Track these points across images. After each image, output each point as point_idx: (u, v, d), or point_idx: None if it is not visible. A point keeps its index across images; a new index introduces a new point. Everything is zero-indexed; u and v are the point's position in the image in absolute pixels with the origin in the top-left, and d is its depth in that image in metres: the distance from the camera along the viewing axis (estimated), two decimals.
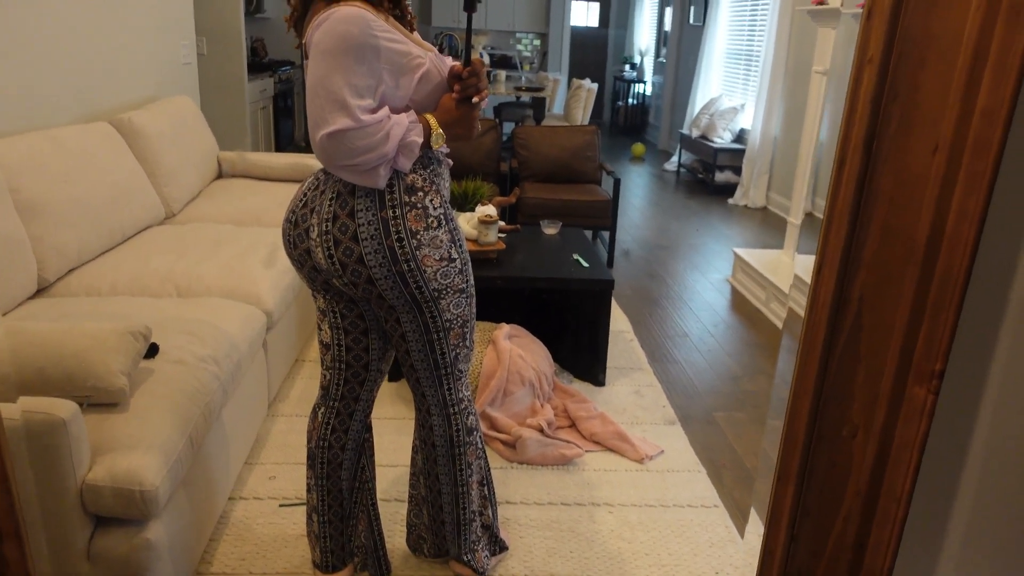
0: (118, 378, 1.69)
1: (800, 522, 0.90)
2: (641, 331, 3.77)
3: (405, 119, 1.51)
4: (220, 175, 4.23)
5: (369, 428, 1.93)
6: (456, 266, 1.64)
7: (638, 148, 9.27)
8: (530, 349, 2.87)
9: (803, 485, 0.87)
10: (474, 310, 1.75)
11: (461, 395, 1.80)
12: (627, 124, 11.34)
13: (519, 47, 10.06)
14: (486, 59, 7.33)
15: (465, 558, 1.93)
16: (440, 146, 1.60)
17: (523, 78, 8.82)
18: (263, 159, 4.26)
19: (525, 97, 7.42)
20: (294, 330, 3.11)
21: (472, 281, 1.72)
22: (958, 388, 0.87)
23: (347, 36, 1.42)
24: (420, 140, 1.53)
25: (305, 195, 1.64)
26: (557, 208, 4.46)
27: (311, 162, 4.18)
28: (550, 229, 3.55)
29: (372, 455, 1.96)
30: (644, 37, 11.44)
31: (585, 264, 3.10)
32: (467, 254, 1.69)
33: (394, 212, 1.55)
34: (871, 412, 0.82)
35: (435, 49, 1.64)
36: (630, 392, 3.09)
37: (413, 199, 1.58)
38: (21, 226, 2.38)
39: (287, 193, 3.88)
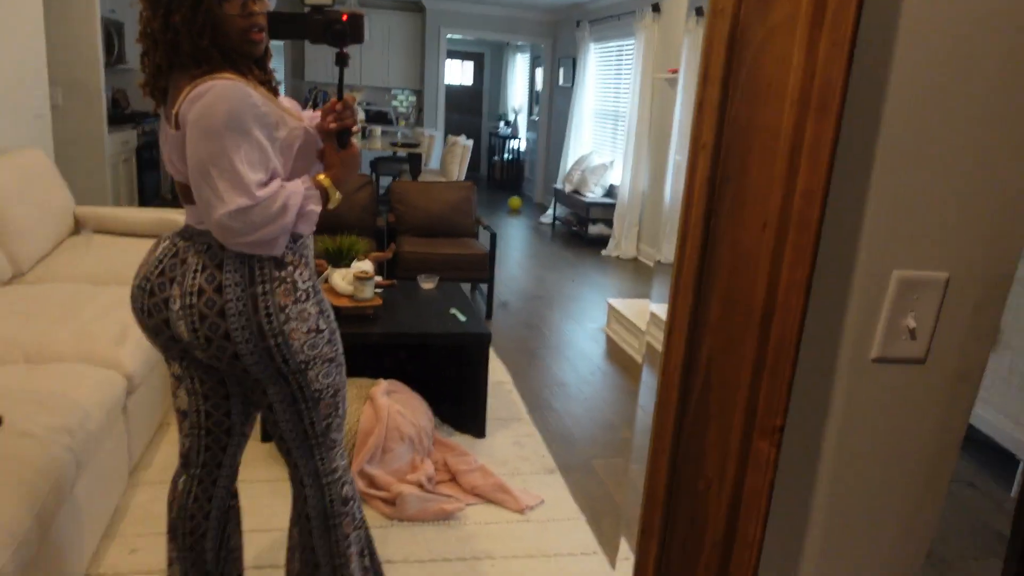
0: None
1: (664, 573, 0.94)
2: (520, 381, 3.83)
3: (300, 187, 1.51)
4: (77, 231, 4.00)
5: (234, 495, 1.86)
6: (324, 336, 1.62)
7: (515, 201, 9.50)
8: (409, 404, 2.86)
9: (665, 538, 0.92)
10: (344, 378, 1.72)
11: (335, 464, 1.75)
12: (503, 178, 11.62)
13: (395, 103, 10.16)
14: (361, 115, 7.36)
15: None
16: (337, 205, 1.61)
17: (399, 133, 8.90)
18: (124, 214, 4.08)
19: (401, 152, 7.49)
20: (159, 392, 2.95)
21: (341, 349, 1.70)
22: (798, 440, 0.95)
23: (231, 112, 1.41)
24: (319, 208, 1.54)
25: (161, 262, 1.57)
26: (435, 262, 4.50)
27: (177, 217, 4.03)
28: (427, 284, 3.57)
29: (239, 523, 1.88)
30: (517, 95, 11.83)
31: (463, 318, 3.13)
32: (335, 323, 1.68)
33: (263, 288, 1.53)
34: (723, 466, 0.89)
35: (305, 117, 1.63)
36: (510, 443, 3.12)
37: (282, 274, 1.56)
38: None
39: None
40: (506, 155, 11.71)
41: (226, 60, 1.49)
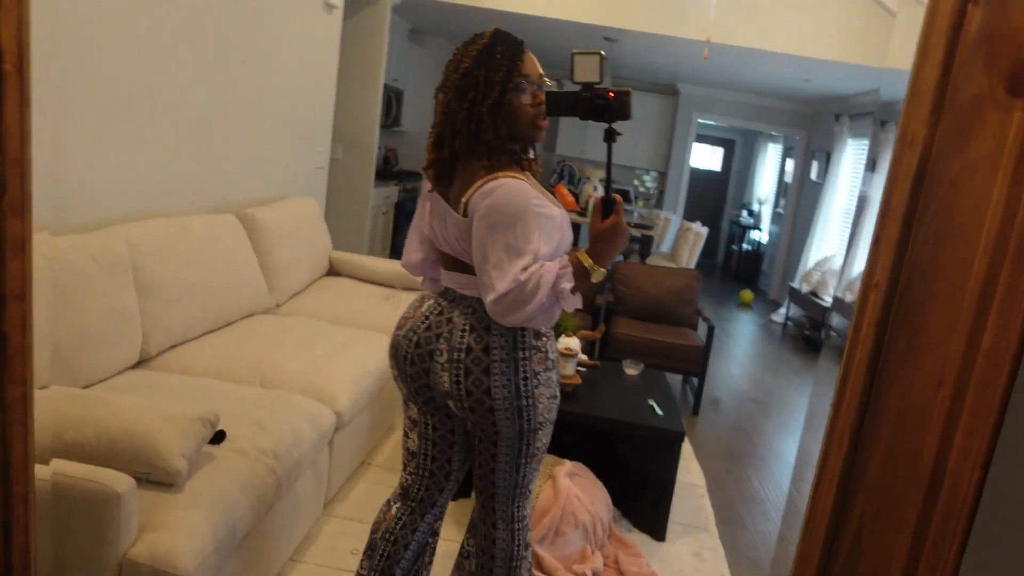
0: (178, 460, 1.78)
1: None
2: (715, 488, 3.62)
3: (556, 266, 1.59)
4: (329, 273, 4.48)
5: (436, 533, 2.00)
6: (556, 402, 1.79)
7: (746, 295, 9.15)
8: (590, 491, 2.81)
9: None
10: None
11: (526, 512, 1.88)
12: (739, 269, 11.25)
13: (636, 182, 10.31)
14: (600, 191, 7.55)
15: None
16: (602, 279, 1.64)
17: (636, 213, 8.99)
18: (369, 263, 4.49)
19: (635, 232, 7.55)
20: (365, 433, 3.18)
21: None
22: None
23: (514, 211, 1.57)
24: (569, 286, 1.59)
25: (427, 318, 1.77)
26: (647, 348, 4.43)
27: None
28: (631, 369, 3.53)
29: (430, 561, 2.01)
30: (765, 186, 11.49)
31: (659, 411, 3.04)
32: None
33: (523, 354, 1.70)
34: None
35: (560, 203, 1.73)
36: (690, 553, 2.94)
37: (539, 343, 1.73)
38: (136, 302, 2.60)
39: (388, 297, 4.07)
40: (745, 245, 11.35)
41: (512, 150, 1.66)
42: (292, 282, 3.87)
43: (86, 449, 1.73)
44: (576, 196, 7.48)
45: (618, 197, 1.65)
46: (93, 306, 2.35)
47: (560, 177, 9.26)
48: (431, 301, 1.80)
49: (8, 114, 0.77)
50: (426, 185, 1.81)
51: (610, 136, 1.68)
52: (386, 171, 7.63)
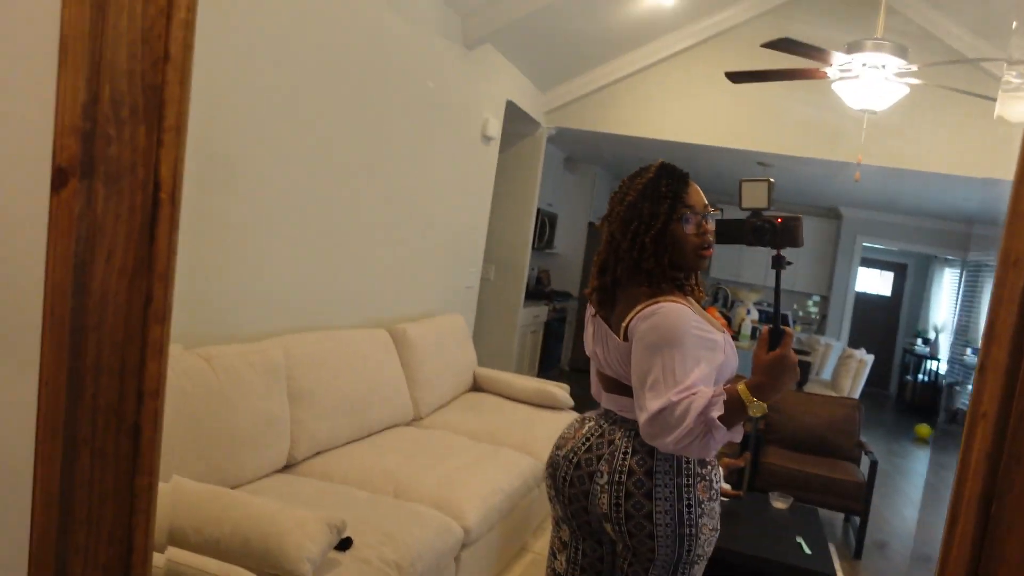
0: (304, 564, 1.84)
1: None
2: None
3: (708, 392, 1.52)
4: (473, 388, 4.58)
5: None
6: (716, 535, 1.74)
7: (923, 429, 8.34)
8: None
9: None
10: None
11: None
12: (914, 401, 10.32)
13: (795, 306, 9.90)
14: (755, 314, 7.31)
15: None
16: (760, 414, 1.54)
17: (794, 338, 8.58)
18: (511, 379, 4.54)
19: None
20: (494, 552, 3.13)
21: None
22: None
23: (674, 334, 1.56)
24: (718, 414, 1.49)
25: (588, 440, 1.79)
26: (799, 481, 4.12)
27: (553, 389, 4.37)
28: (779, 503, 3.29)
29: None
30: (942, 312, 10.65)
31: (807, 551, 2.79)
32: None
33: (688, 480, 1.67)
34: None
35: (726, 327, 1.73)
36: None
37: (704, 471, 1.70)
38: (287, 409, 2.78)
39: (527, 416, 4.07)
40: (921, 376, 10.45)
41: (675, 277, 1.70)
42: (435, 396, 3.99)
43: (221, 545, 1.83)
44: (728, 320, 7.30)
45: (788, 329, 1.57)
46: (248, 410, 2.53)
47: (714, 300, 9.10)
48: (592, 423, 1.82)
49: (160, 236, 0.89)
50: (590, 310, 1.86)
51: (778, 263, 1.65)
52: (538, 291, 7.83)
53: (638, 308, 1.64)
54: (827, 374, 7.76)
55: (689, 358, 1.55)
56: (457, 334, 4.46)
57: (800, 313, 9.89)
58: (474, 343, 4.76)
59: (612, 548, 1.81)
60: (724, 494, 3.15)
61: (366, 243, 3.65)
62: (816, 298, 9.87)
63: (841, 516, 4.79)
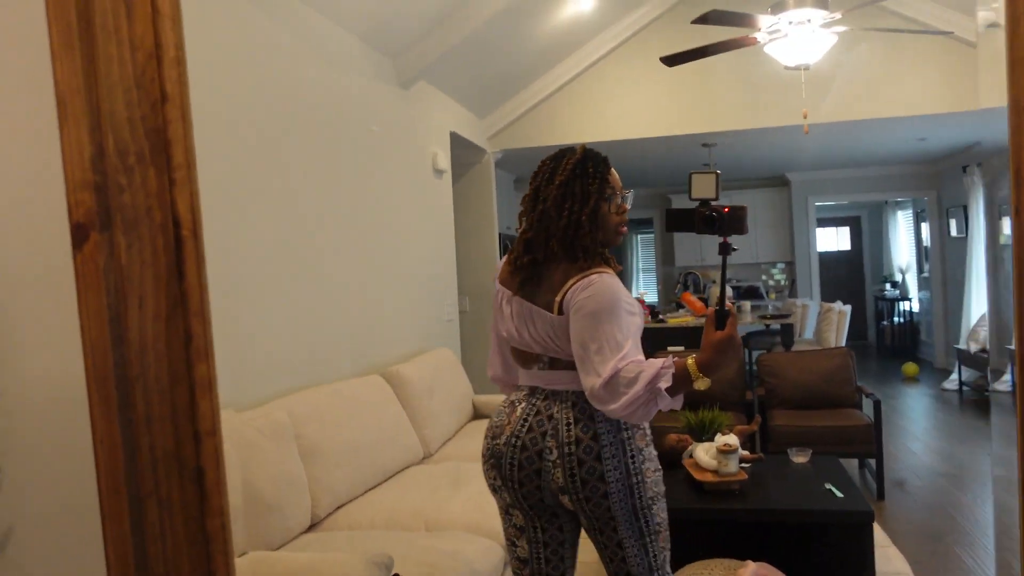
0: None
1: None
2: (922, 572, 3.25)
3: (658, 363, 1.64)
4: (475, 417, 4.57)
5: None
6: (660, 474, 1.84)
7: (910, 368, 8.51)
8: None
9: None
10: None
11: None
12: (895, 344, 10.53)
13: (763, 277, 10.07)
14: (729, 292, 7.42)
15: None
16: (704, 388, 1.66)
17: (769, 306, 8.72)
18: None
19: (774, 325, 7.30)
20: None
21: None
22: None
23: (611, 301, 1.67)
24: (666, 386, 1.61)
25: (526, 420, 1.81)
26: (810, 436, 4.18)
27: None
28: (799, 457, 3.33)
29: None
30: (903, 254, 10.92)
31: (839, 494, 2.83)
32: None
33: (627, 434, 1.77)
34: None
35: (704, 309, 1.82)
36: None
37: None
38: (302, 468, 2.74)
39: None
40: (896, 319, 10.68)
41: (601, 252, 1.80)
42: (440, 430, 3.97)
43: None
44: (705, 301, 7.39)
45: (732, 309, 1.70)
46: (265, 476, 2.50)
47: (685, 286, 9.21)
48: (523, 404, 1.83)
49: (188, 273, 0.90)
50: (502, 293, 1.89)
51: (725, 249, 1.76)
52: None
53: (572, 281, 1.72)
54: (809, 333, 7.89)
55: (624, 326, 1.67)
56: (449, 367, 4.46)
57: (770, 283, 10.05)
58: (465, 373, 4.75)
59: (570, 522, 1.89)
60: (745, 460, 3.18)
61: (344, 294, 3.65)
62: (781, 265, 10.05)
63: (855, 464, 4.85)
